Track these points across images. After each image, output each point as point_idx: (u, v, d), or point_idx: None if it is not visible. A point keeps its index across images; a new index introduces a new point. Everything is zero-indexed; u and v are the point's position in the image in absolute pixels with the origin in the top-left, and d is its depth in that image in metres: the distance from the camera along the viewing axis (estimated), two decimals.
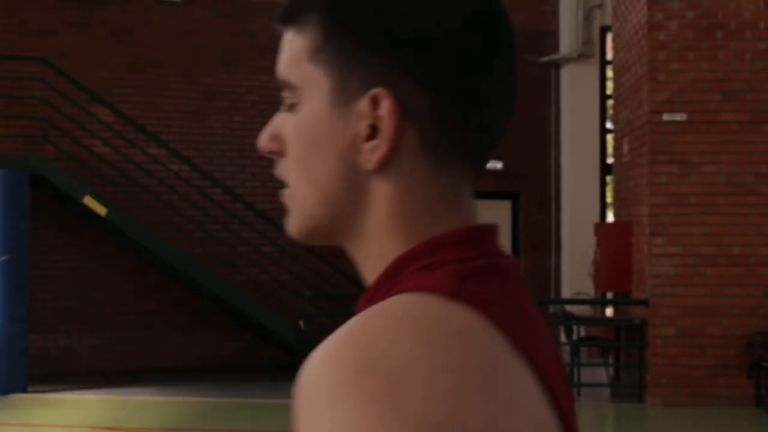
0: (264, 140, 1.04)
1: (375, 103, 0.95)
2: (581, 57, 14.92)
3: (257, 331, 13.08)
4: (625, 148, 11.81)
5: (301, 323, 12.79)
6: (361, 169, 0.97)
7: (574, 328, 11.79)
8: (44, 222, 12.60)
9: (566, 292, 14.52)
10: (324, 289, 13.23)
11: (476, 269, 0.93)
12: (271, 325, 12.45)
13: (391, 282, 0.95)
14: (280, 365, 13.26)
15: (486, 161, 1.03)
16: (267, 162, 13.99)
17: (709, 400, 10.35)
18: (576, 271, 14.22)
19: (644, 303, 10.73)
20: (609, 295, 12.42)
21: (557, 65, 15.29)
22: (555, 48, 15.28)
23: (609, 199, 14.80)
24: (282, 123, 1.02)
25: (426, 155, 0.97)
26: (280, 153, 1.02)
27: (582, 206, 14.61)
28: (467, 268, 0.92)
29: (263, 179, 13.94)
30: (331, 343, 0.86)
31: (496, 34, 1.01)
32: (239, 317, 12.93)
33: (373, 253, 0.99)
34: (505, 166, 14.97)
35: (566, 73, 15.16)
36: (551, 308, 13.19)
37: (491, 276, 0.94)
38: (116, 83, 13.17)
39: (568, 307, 11.97)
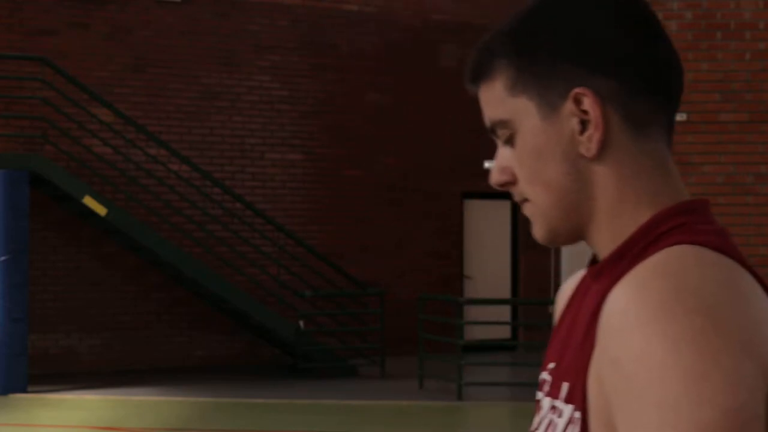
0: (495, 176, 1.23)
1: (577, 101, 1.16)
2: None
3: (257, 331, 13.10)
4: None
5: (301, 323, 12.81)
6: (582, 160, 1.17)
7: None
8: (44, 222, 12.62)
9: None
10: (324, 290, 13.25)
11: (721, 230, 1.15)
12: (270, 324, 12.47)
13: (644, 240, 1.14)
14: (280, 365, 13.29)
15: (674, 120, 1.21)
16: (267, 162, 14.04)
17: None
18: (575, 270, 14.25)
19: None
20: None
21: None
22: None
23: None
24: (505, 156, 1.22)
25: (629, 129, 1.17)
26: (512, 182, 1.22)
27: None
28: (716, 229, 1.15)
29: (263, 179, 13.96)
30: (638, 278, 1.05)
31: (643, 17, 1.20)
32: (239, 317, 12.94)
33: (606, 227, 1.18)
34: None
35: None
36: (550, 308, 13.21)
37: (727, 235, 1.15)
38: (116, 83, 13.18)
39: None
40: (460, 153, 14.80)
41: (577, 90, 1.15)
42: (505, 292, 15.21)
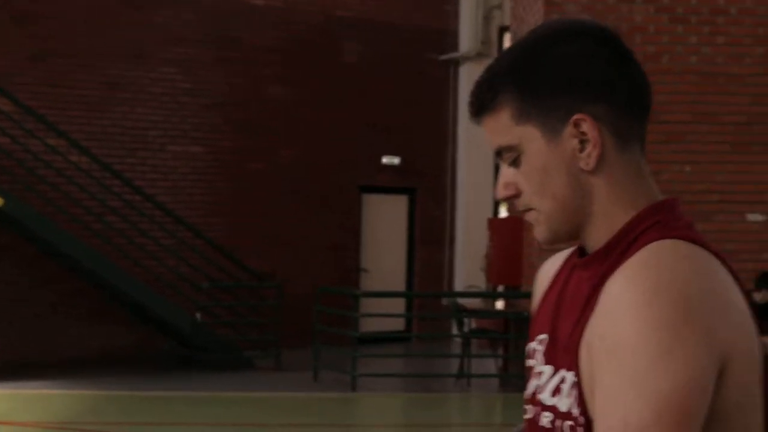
0: (501, 191, 1.48)
1: (576, 125, 1.42)
2: (480, 56, 15.23)
3: (155, 322, 13.11)
4: None
5: (198, 315, 12.86)
6: (582, 173, 1.43)
7: (466, 320, 12.09)
8: None
9: (459, 286, 14.83)
10: (221, 282, 13.31)
11: (691, 224, 1.43)
12: (167, 316, 12.50)
13: (628, 238, 1.41)
14: (177, 357, 13.31)
15: (645, 135, 1.48)
16: (168, 154, 13.99)
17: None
18: (469, 265, 14.55)
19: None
20: (500, 289, 12.73)
21: (456, 63, 15.59)
22: (454, 47, 15.57)
23: None
24: (510, 174, 1.47)
25: (617, 144, 1.44)
26: (516, 195, 1.47)
27: (476, 202, 14.94)
28: (686, 223, 1.43)
29: (164, 171, 13.96)
30: (628, 272, 1.33)
31: (619, 48, 1.48)
32: (137, 309, 12.94)
33: (602, 226, 1.44)
34: (402, 161, 15.23)
35: (465, 72, 15.45)
36: (444, 301, 13.48)
37: (694, 227, 1.43)
38: (17, 72, 13.05)
39: (461, 300, 12.26)
40: (359, 148, 14.97)
41: (576, 116, 1.42)
42: (401, 285, 15.44)
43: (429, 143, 15.43)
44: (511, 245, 11.73)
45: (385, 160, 15.15)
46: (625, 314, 1.30)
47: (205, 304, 13.15)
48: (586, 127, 1.42)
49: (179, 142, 14.09)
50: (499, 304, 12.99)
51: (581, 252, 1.51)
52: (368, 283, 15.07)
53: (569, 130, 1.42)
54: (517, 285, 11.86)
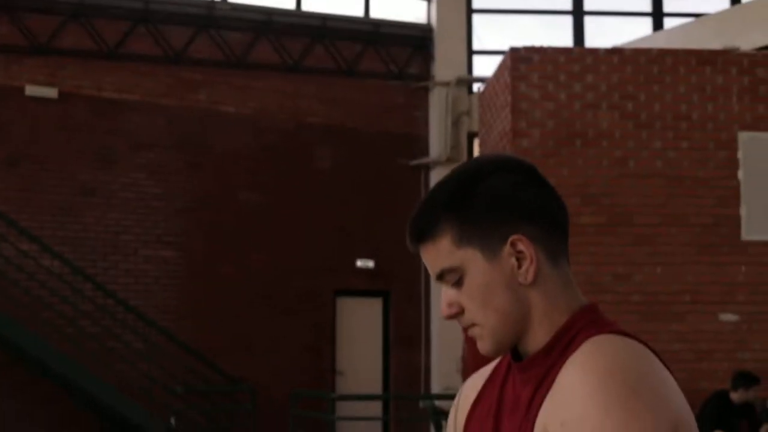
0: (446, 310, 1.60)
1: (514, 245, 1.57)
2: (449, 161, 15.47)
3: (128, 429, 12.94)
4: None
5: (173, 420, 12.73)
6: (520, 288, 1.57)
7: (444, 423, 12.04)
8: None
9: (436, 387, 14.80)
10: (195, 386, 13.21)
11: (614, 322, 1.58)
12: (141, 421, 12.36)
13: (567, 336, 1.55)
14: None
15: (568, 250, 1.63)
16: (140, 258, 13.96)
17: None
18: (446, 367, 14.55)
19: None
20: None
21: (427, 168, 15.82)
22: (425, 152, 15.83)
23: None
24: (452, 294, 1.59)
25: (549, 260, 1.59)
26: (459, 312, 1.59)
27: None
28: (611, 321, 1.58)
29: (135, 275, 13.95)
30: (578, 363, 1.46)
31: (539, 176, 1.65)
32: (109, 415, 12.78)
33: (540, 331, 1.57)
34: (376, 264, 15.31)
35: (435, 176, 15.66)
36: (421, 403, 13.44)
37: (617, 324, 1.57)
38: None
39: (438, 402, 12.23)
40: (332, 251, 15.06)
41: (513, 237, 1.57)
42: (377, 387, 15.40)
43: (402, 247, 15.43)
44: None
45: (359, 263, 15.23)
46: (583, 400, 1.42)
47: (180, 408, 13.02)
48: (523, 245, 1.57)
49: (151, 247, 14.11)
50: None
51: (515, 357, 1.63)
52: (344, 385, 15.01)
53: (507, 249, 1.57)
54: None
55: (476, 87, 15.77)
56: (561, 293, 1.59)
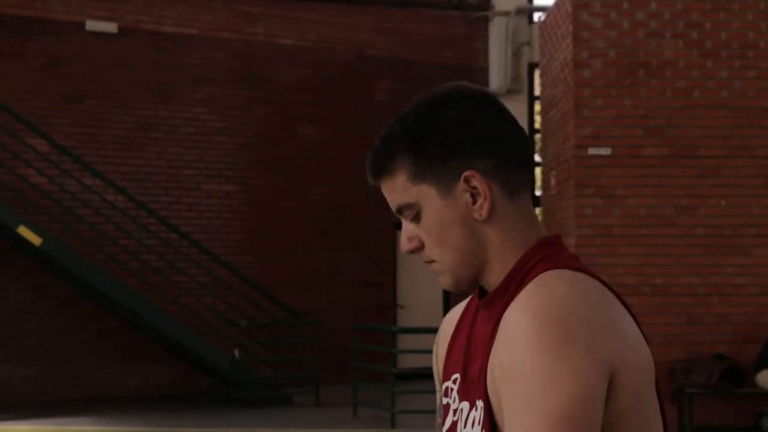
0: (405, 245, 1.59)
1: (467, 180, 1.54)
2: (510, 92, 15.33)
3: (192, 360, 13.17)
4: (553, 180, 12.17)
5: (236, 352, 12.91)
6: (475, 224, 1.55)
7: None
8: None
9: None
10: (259, 320, 13.37)
11: (573, 255, 1.55)
12: (205, 354, 12.55)
13: (520, 273, 1.52)
14: (215, 394, 13.36)
15: (533, 179, 1.61)
16: (202, 193, 14.10)
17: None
18: None
19: None
20: None
21: None
22: (485, 83, 15.67)
23: None
24: (411, 229, 1.59)
25: (505, 195, 1.56)
26: (419, 247, 1.58)
27: None
28: (570, 254, 1.55)
29: (198, 210, 14.08)
30: (520, 302, 1.44)
31: (496, 107, 1.59)
32: (174, 347, 13.00)
33: (497, 268, 1.56)
34: None
35: None
36: None
37: (578, 258, 1.56)
38: (52, 114, 13.23)
39: None
40: None
41: (466, 173, 1.53)
42: (437, 320, 15.45)
43: None
44: None
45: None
46: (516, 340, 1.41)
47: (243, 341, 13.20)
48: (476, 182, 1.53)
49: (213, 181, 14.22)
50: None
51: (482, 294, 1.60)
52: (405, 319, 15.10)
53: (461, 185, 1.54)
54: None
55: (537, 16, 15.55)
56: (519, 228, 1.56)
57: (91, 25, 13.52)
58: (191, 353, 12.73)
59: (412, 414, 11.57)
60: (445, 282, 1.59)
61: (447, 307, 15.57)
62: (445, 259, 1.56)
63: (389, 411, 11.34)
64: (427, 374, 14.23)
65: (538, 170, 14.69)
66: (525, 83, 15.55)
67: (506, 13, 15.50)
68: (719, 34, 11.11)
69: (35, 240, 11.82)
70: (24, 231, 11.80)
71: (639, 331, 1.50)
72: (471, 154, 1.54)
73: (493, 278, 1.56)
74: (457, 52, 15.62)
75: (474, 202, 1.54)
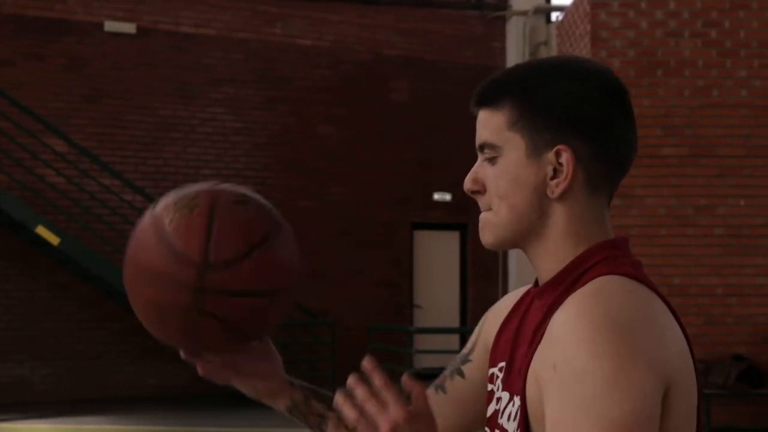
0: (469, 182, 1.55)
1: (558, 154, 1.48)
2: None
3: None
4: None
5: None
6: (545, 197, 1.49)
7: None
8: None
9: None
10: None
11: (636, 262, 1.49)
12: None
13: (578, 270, 1.47)
14: (232, 393, 13.37)
15: (618, 188, 1.55)
16: None
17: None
18: None
19: None
20: None
21: None
22: None
23: None
24: (482, 170, 1.54)
25: (587, 186, 1.50)
26: (480, 191, 1.54)
27: None
28: (633, 261, 1.49)
29: None
30: (576, 303, 1.39)
31: (624, 106, 1.53)
32: None
33: (551, 253, 1.50)
34: (454, 197, 15.28)
35: None
36: None
37: (641, 266, 1.50)
38: (72, 114, 13.29)
39: None
40: (410, 185, 15.06)
41: (560, 146, 1.48)
42: (455, 321, 15.45)
43: None
44: None
45: (436, 196, 15.21)
46: (573, 344, 1.35)
47: None
48: (565, 159, 1.48)
49: (231, 181, 14.13)
50: None
51: (536, 282, 1.56)
52: (422, 319, 15.10)
53: (549, 155, 1.49)
54: None
55: (554, 16, 15.51)
56: (586, 223, 1.50)
57: (110, 25, 13.58)
58: None
59: None
60: (488, 237, 1.54)
61: (464, 307, 15.56)
62: (500, 215, 1.51)
63: None
64: None
65: None
66: None
67: (524, 13, 15.47)
68: (738, 33, 11.06)
69: (53, 240, 11.87)
70: (42, 231, 11.86)
71: (689, 348, 1.46)
72: (575, 132, 1.49)
73: (547, 261, 1.51)
74: (474, 51, 15.60)
75: (553, 177, 1.49)
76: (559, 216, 1.50)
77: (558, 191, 1.49)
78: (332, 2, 14.87)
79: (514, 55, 15.49)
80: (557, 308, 1.43)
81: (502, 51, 15.75)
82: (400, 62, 15.26)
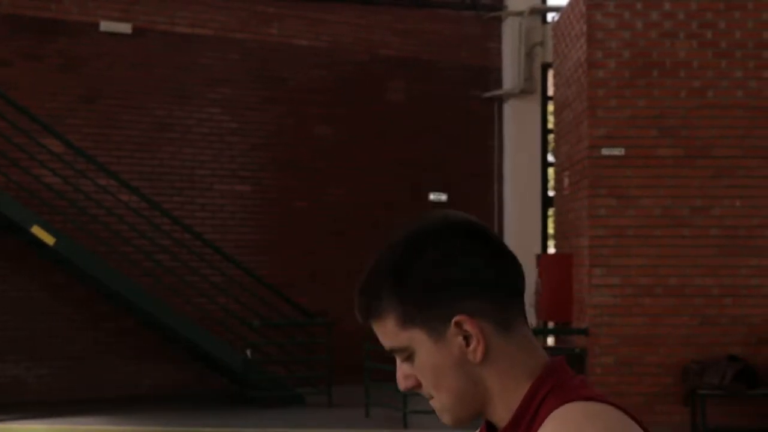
0: (401, 384, 1.54)
1: (458, 325, 1.47)
2: (523, 93, 15.32)
3: (206, 360, 13.19)
4: (566, 181, 12.15)
5: (249, 352, 12.93)
6: (470, 365, 1.48)
7: None
8: None
9: None
10: (272, 320, 13.38)
11: (583, 381, 1.48)
12: (218, 354, 12.58)
13: (530, 409, 1.46)
14: (228, 394, 13.38)
15: (524, 308, 1.53)
16: (216, 193, 14.13)
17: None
18: None
19: (584, 332, 11.03)
20: (550, 325, 12.72)
21: (500, 100, 15.68)
22: (498, 84, 15.67)
23: (551, 231, 15.14)
24: (406, 368, 1.52)
25: (500, 332, 1.49)
26: (417, 385, 1.53)
27: (524, 238, 14.95)
28: (579, 381, 1.47)
29: (212, 210, 14.11)
30: None
31: (486, 240, 1.51)
32: (188, 347, 13.03)
33: (499, 405, 1.50)
34: (449, 198, 15.29)
35: (509, 108, 15.53)
36: None
37: (586, 382, 1.48)
38: (68, 114, 13.28)
39: None
40: (405, 185, 15.06)
41: (456, 318, 1.47)
42: None
43: (475, 180, 15.50)
44: (560, 281, 11.74)
45: (432, 196, 15.22)
46: None
47: (256, 341, 13.22)
48: (468, 326, 1.47)
49: (227, 182, 14.25)
50: (550, 341, 12.97)
51: (490, 427, 1.55)
52: None
53: (452, 330, 1.47)
54: (567, 321, 11.84)
55: (550, 17, 15.52)
56: (518, 362, 1.49)
57: (106, 25, 13.57)
58: (205, 353, 12.75)
59: (425, 414, 11.54)
60: (447, 420, 1.53)
61: None
62: (443, 401, 1.50)
63: (402, 411, 11.33)
64: None
65: (551, 170, 14.67)
66: (538, 84, 15.53)
67: (520, 14, 15.48)
68: (734, 33, 11.08)
69: (49, 240, 11.86)
70: (38, 231, 11.84)
71: None
72: (459, 296, 1.47)
73: (499, 413, 1.50)
74: (470, 52, 15.61)
75: (468, 345, 1.47)
76: (492, 375, 1.49)
77: (479, 355, 1.47)
78: (329, 3, 14.87)
79: (510, 55, 15.50)
80: None
81: (498, 51, 15.76)
82: (397, 62, 15.26)
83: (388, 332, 1.50)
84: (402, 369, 1.53)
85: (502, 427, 1.50)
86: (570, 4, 11.97)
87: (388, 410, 11.73)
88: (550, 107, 14.78)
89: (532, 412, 1.45)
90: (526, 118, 15.43)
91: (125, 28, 13.67)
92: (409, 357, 1.51)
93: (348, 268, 14.70)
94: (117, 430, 10.93)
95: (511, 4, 15.61)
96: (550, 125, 14.90)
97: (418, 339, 1.49)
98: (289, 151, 14.59)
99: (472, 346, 1.47)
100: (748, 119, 11.00)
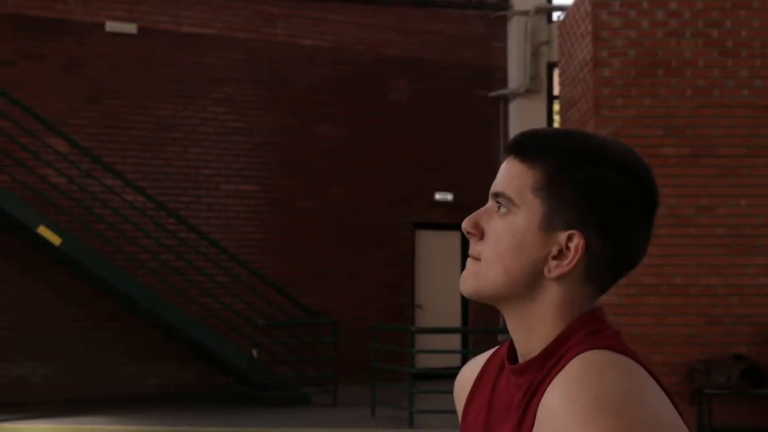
0: (468, 224, 1.48)
1: (569, 238, 1.43)
2: (529, 92, 15.31)
3: (211, 359, 13.20)
4: None
5: (254, 352, 12.93)
6: (541, 273, 1.44)
7: None
8: None
9: None
10: (277, 319, 13.38)
11: (616, 333, 1.45)
12: (223, 353, 12.58)
13: (561, 349, 1.43)
14: (233, 393, 13.38)
15: (614, 283, 1.50)
16: (221, 193, 14.13)
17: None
18: None
19: None
20: None
21: (506, 100, 15.66)
22: (504, 83, 15.65)
23: None
24: (486, 218, 1.47)
25: (586, 276, 1.45)
26: (477, 237, 1.47)
27: None
28: (614, 333, 1.45)
29: (217, 210, 14.11)
30: (565, 387, 1.34)
31: (651, 214, 1.49)
32: (193, 346, 13.03)
33: (535, 329, 1.45)
34: (455, 197, 15.28)
35: (514, 108, 15.51)
36: (499, 337, 13.44)
37: (621, 336, 1.46)
38: (72, 114, 13.29)
39: None
40: (411, 184, 15.06)
41: (575, 231, 1.43)
42: (455, 320, 15.44)
43: (480, 179, 15.47)
44: None
45: (437, 196, 15.21)
46: (568, 429, 1.31)
47: (261, 341, 13.22)
48: (574, 245, 1.43)
49: (232, 181, 14.25)
50: None
51: (510, 354, 1.51)
52: (423, 319, 15.09)
53: (561, 235, 1.43)
54: None
55: (556, 16, 15.51)
56: (576, 305, 1.45)
57: (111, 26, 13.57)
58: (210, 352, 12.76)
59: (430, 414, 11.56)
60: (468, 285, 1.48)
61: (465, 308, 15.55)
62: (491, 272, 1.45)
63: (407, 411, 11.33)
64: (444, 374, 14.28)
65: None
66: (544, 83, 15.51)
67: (525, 13, 15.47)
68: (740, 32, 11.05)
69: (55, 240, 11.87)
70: (44, 231, 11.85)
71: (676, 409, 1.43)
72: (594, 221, 1.42)
73: (528, 337, 1.46)
74: (476, 51, 15.60)
75: (556, 257, 1.43)
76: (551, 295, 1.44)
77: (555, 273, 1.43)
78: (332, 2, 14.87)
79: (516, 54, 15.49)
80: (542, 389, 1.40)
81: (503, 51, 15.74)
82: (401, 62, 15.25)
83: (519, 181, 1.45)
84: (482, 214, 1.47)
85: (524, 353, 1.46)
86: (575, 3, 11.96)
87: (393, 410, 11.72)
88: (556, 106, 14.78)
89: (562, 351, 1.42)
90: (531, 118, 15.40)
91: (130, 28, 13.68)
92: (504, 213, 1.45)
93: (352, 268, 14.70)
94: (122, 429, 10.93)
95: (517, 3, 15.60)
96: (556, 124, 14.88)
97: (532, 210, 1.44)
98: (294, 151, 14.59)
99: (557, 261, 1.43)
100: (753, 118, 10.97)
